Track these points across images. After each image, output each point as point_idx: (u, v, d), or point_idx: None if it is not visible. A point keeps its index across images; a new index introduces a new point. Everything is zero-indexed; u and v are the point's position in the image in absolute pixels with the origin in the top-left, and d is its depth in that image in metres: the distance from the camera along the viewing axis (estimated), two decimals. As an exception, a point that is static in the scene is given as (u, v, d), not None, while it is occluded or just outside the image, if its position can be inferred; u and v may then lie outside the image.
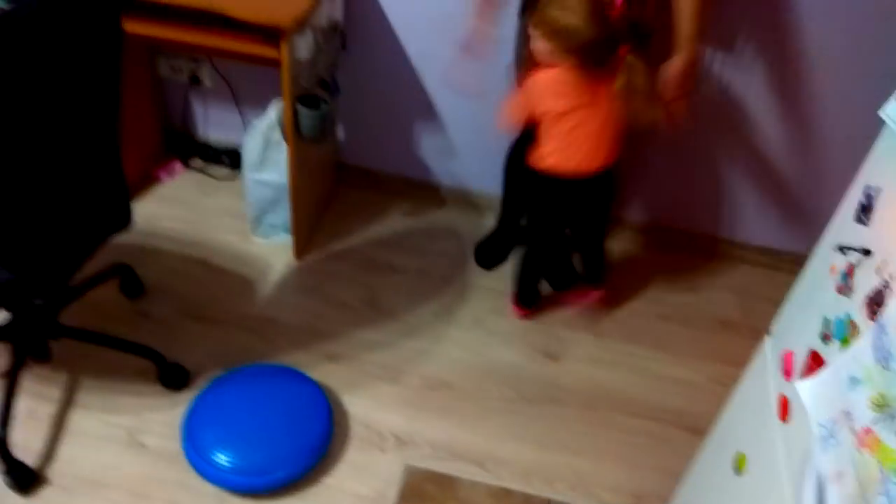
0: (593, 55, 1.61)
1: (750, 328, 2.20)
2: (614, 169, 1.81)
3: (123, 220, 1.66)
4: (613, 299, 2.22)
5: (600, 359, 2.06)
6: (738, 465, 1.19)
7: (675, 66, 1.66)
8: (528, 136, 2.04)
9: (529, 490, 1.72)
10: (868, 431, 0.82)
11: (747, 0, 1.91)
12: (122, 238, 1.70)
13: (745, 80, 2.05)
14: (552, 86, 1.68)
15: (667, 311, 2.23)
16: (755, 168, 2.23)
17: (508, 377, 1.98)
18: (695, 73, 1.69)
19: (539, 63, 1.68)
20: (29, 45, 1.16)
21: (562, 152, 1.74)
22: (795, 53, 1.97)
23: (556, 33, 1.59)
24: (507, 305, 2.18)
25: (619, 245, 2.40)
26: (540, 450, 1.81)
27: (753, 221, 2.35)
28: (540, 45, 1.63)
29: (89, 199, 1.52)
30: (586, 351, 2.08)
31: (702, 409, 1.91)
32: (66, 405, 1.77)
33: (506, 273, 2.30)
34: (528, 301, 2.13)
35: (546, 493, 1.72)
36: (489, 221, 2.40)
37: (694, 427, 1.88)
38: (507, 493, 1.71)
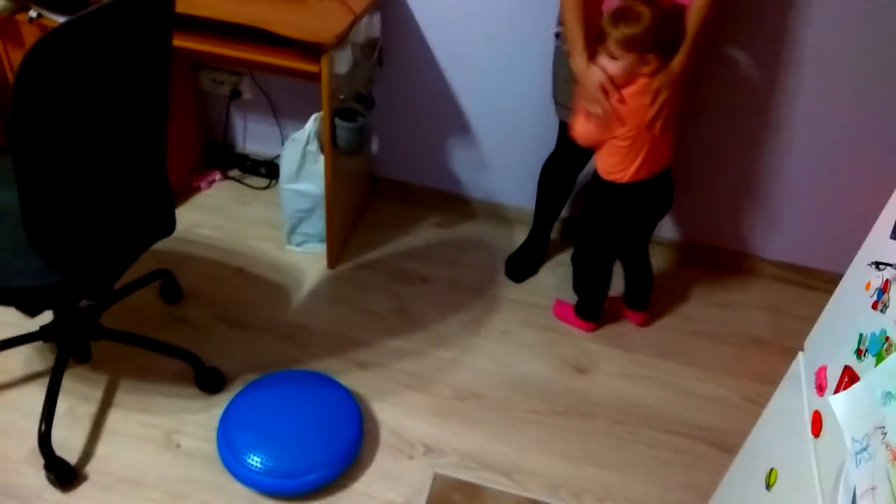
0: (666, 47, 1.65)
1: (781, 346, 2.18)
2: (670, 170, 1.84)
3: (167, 226, 1.72)
4: (650, 310, 2.22)
5: (630, 373, 2.06)
6: (770, 481, 1.19)
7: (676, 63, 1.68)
8: (566, 151, 2.06)
9: (556, 502, 1.72)
10: (902, 446, 0.82)
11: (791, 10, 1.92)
12: (162, 244, 1.76)
13: (780, 93, 2.05)
14: (635, 104, 1.69)
15: (698, 327, 2.22)
16: (788, 185, 2.22)
17: (537, 389, 1.99)
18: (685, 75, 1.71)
19: (596, 84, 1.69)
20: (88, 54, 1.21)
21: (628, 163, 1.76)
22: (832, 70, 1.97)
23: (632, 43, 1.62)
24: (537, 318, 2.19)
25: (651, 261, 2.40)
26: (568, 462, 1.81)
27: (785, 238, 2.34)
28: (617, 65, 1.65)
29: (137, 205, 1.58)
30: (615, 365, 2.08)
31: (732, 427, 1.90)
32: (105, 405, 1.83)
33: (535, 285, 2.31)
34: (593, 315, 2.15)
35: (573, 505, 1.72)
36: (519, 235, 2.42)
37: (723, 444, 1.86)
38: (534, 503, 1.71)
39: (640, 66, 1.65)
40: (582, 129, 1.77)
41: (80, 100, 1.25)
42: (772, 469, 1.19)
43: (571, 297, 2.18)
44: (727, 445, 1.84)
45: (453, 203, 2.55)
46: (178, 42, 1.83)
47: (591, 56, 1.70)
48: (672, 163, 1.83)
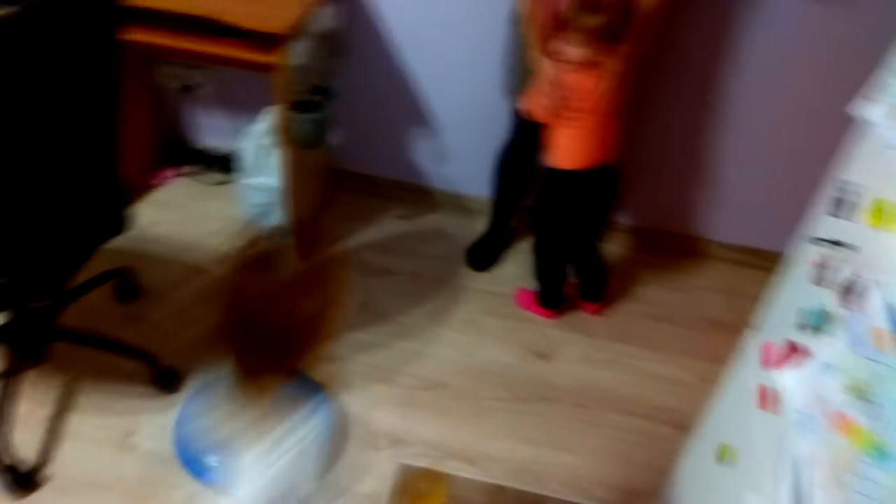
0: (616, 36, 1.67)
1: (738, 326, 2.18)
2: (617, 166, 1.87)
3: (118, 225, 1.69)
4: (605, 301, 2.25)
5: (591, 358, 2.09)
6: (722, 455, 1.22)
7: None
8: (519, 140, 2.08)
9: (522, 487, 1.74)
10: (841, 414, 0.85)
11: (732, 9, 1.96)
12: (117, 243, 1.73)
13: (728, 81, 2.10)
14: (586, 89, 1.72)
15: (656, 310, 2.26)
16: (736, 168, 2.26)
17: (500, 377, 2.01)
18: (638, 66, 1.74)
19: (545, 70, 1.71)
20: (23, 50, 1.18)
21: (574, 148, 1.80)
22: (775, 52, 2.02)
23: (596, 34, 1.64)
24: (499, 306, 2.21)
25: (608, 247, 2.43)
26: (532, 447, 1.84)
27: (740, 222, 2.39)
28: (578, 52, 1.67)
29: (85, 204, 1.54)
30: (577, 350, 2.11)
31: (691, 407, 1.92)
32: (61, 408, 1.79)
33: (498, 274, 2.33)
34: (554, 303, 2.17)
35: (538, 489, 1.74)
36: (481, 225, 2.43)
37: (683, 424, 1.90)
38: (499, 489, 1.73)
39: (599, 55, 1.68)
40: (534, 104, 1.79)
41: (16, 97, 1.22)
42: (724, 443, 1.23)
43: (532, 285, 2.20)
44: (686, 425, 1.87)
45: (416, 194, 2.55)
46: (130, 36, 1.79)
47: (548, 41, 1.72)
48: (618, 154, 1.86)
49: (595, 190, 1.90)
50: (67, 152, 1.41)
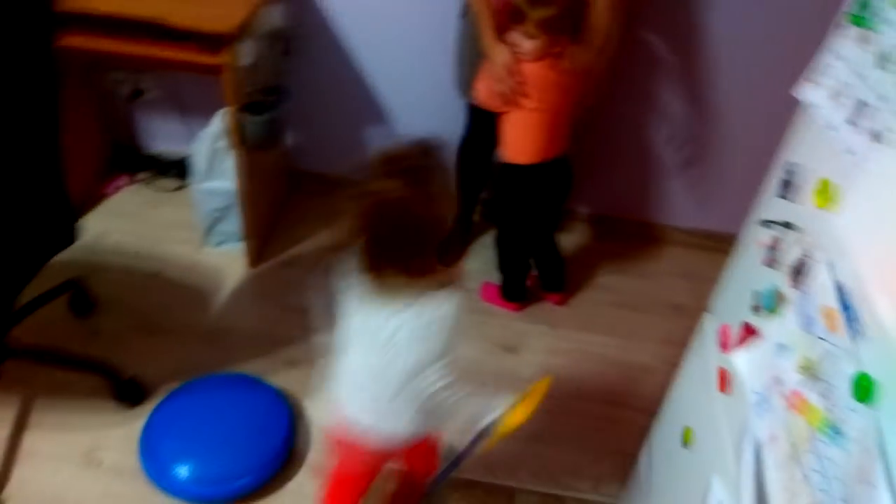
0: (568, 27, 1.69)
1: (700, 310, 2.22)
2: (569, 157, 1.88)
3: (68, 236, 1.64)
4: (567, 289, 2.27)
5: (557, 348, 2.10)
6: (686, 439, 1.24)
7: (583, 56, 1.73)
8: (474, 134, 2.08)
9: (493, 480, 1.74)
10: (796, 394, 0.86)
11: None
12: (70, 254, 1.68)
13: (674, 68, 2.12)
14: (541, 80, 1.72)
15: (618, 297, 2.28)
16: (695, 155, 2.30)
17: (468, 371, 1.96)
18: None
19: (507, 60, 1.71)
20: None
21: (528, 142, 1.81)
22: (717, 40, 2.05)
23: (548, 25, 1.64)
24: (465, 300, 2.20)
25: (568, 236, 2.45)
26: (501, 441, 1.84)
27: (696, 207, 2.42)
28: (531, 44, 1.67)
29: (29, 217, 1.49)
30: (543, 342, 2.12)
31: (656, 392, 1.95)
32: (19, 426, 1.74)
33: (462, 269, 2.32)
34: (518, 295, 2.18)
35: (510, 482, 1.75)
36: (443, 220, 2.42)
37: (650, 409, 1.90)
38: (471, 484, 1.73)
39: (552, 46, 1.68)
40: (487, 91, 1.79)
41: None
42: (687, 427, 1.24)
43: (496, 280, 2.21)
44: (652, 410, 1.89)
45: (374, 192, 2.53)
46: (71, 42, 1.74)
47: (502, 31, 1.72)
48: (570, 148, 1.87)
49: (551, 182, 1.91)
50: (7, 164, 1.36)
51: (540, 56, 1.70)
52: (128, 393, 1.79)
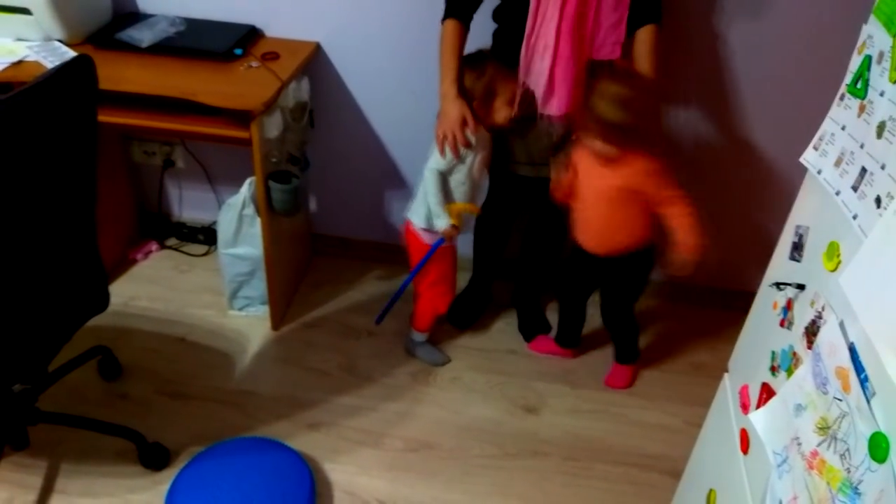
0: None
1: (721, 369, 2.24)
2: (645, 253, 1.86)
3: (100, 303, 1.70)
4: (586, 348, 2.27)
5: (578, 409, 2.10)
6: (710, 501, 1.23)
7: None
8: (495, 199, 2.12)
9: (516, 545, 1.72)
10: (815, 454, 0.87)
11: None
12: (99, 320, 1.73)
13: (692, 131, 2.18)
14: (595, 183, 1.77)
15: (640, 357, 2.27)
16: (718, 216, 2.32)
17: (489, 433, 2.00)
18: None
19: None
20: (11, 137, 1.22)
21: (588, 233, 1.87)
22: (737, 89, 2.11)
23: (622, 137, 1.66)
24: (485, 362, 2.22)
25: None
26: (525, 503, 1.82)
27: (715, 265, 2.44)
28: (603, 148, 1.68)
29: (66, 283, 1.55)
30: (564, 402, 2.11)
31: (680, 452, 1.92)
32: (45, 492, 1.76)
33: (480, 329, 2.34)
34: (574, 342, 2.23)
35: (533, 547, 1.72)
36: (461, 281, 2.46)
37: (673, 470, 1.90)
38: (493, 549, 1.71)
39: (616, 155, 1.69)
40: (556, 179, 1.83)
41: (3, 182, 1.25)
42: (711, 489, 1.24)
43: (516, 338, 2.23)
44: (675, 471, 1.87)
45: (393, 254, 2.57)
46: (106, 118, 1.83)
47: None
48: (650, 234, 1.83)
49: (618, 272, 1.94)
50: (48, 233, 1.43)
51: (597, 159, 1.72)
52: (153, 457, 1.81)
